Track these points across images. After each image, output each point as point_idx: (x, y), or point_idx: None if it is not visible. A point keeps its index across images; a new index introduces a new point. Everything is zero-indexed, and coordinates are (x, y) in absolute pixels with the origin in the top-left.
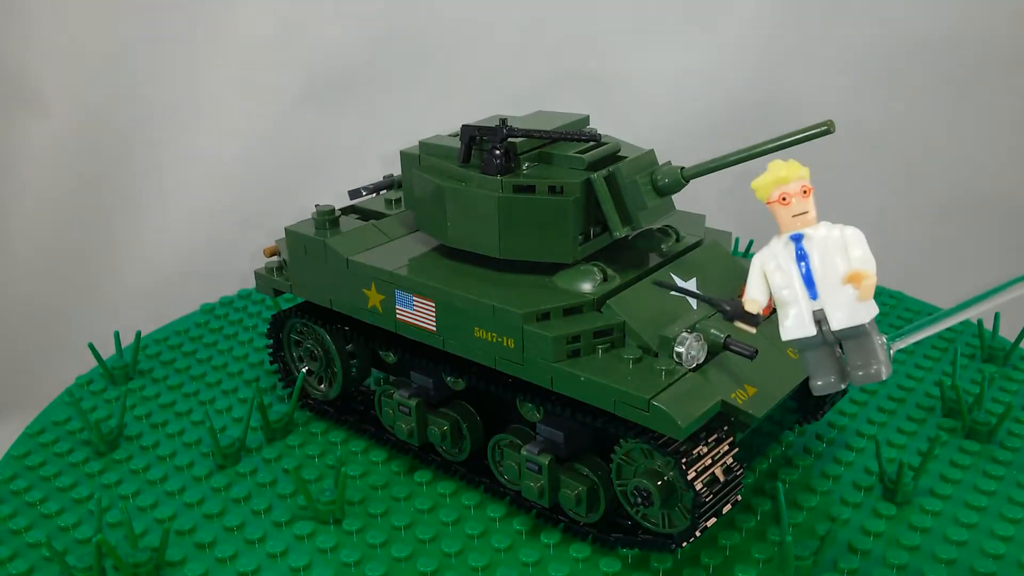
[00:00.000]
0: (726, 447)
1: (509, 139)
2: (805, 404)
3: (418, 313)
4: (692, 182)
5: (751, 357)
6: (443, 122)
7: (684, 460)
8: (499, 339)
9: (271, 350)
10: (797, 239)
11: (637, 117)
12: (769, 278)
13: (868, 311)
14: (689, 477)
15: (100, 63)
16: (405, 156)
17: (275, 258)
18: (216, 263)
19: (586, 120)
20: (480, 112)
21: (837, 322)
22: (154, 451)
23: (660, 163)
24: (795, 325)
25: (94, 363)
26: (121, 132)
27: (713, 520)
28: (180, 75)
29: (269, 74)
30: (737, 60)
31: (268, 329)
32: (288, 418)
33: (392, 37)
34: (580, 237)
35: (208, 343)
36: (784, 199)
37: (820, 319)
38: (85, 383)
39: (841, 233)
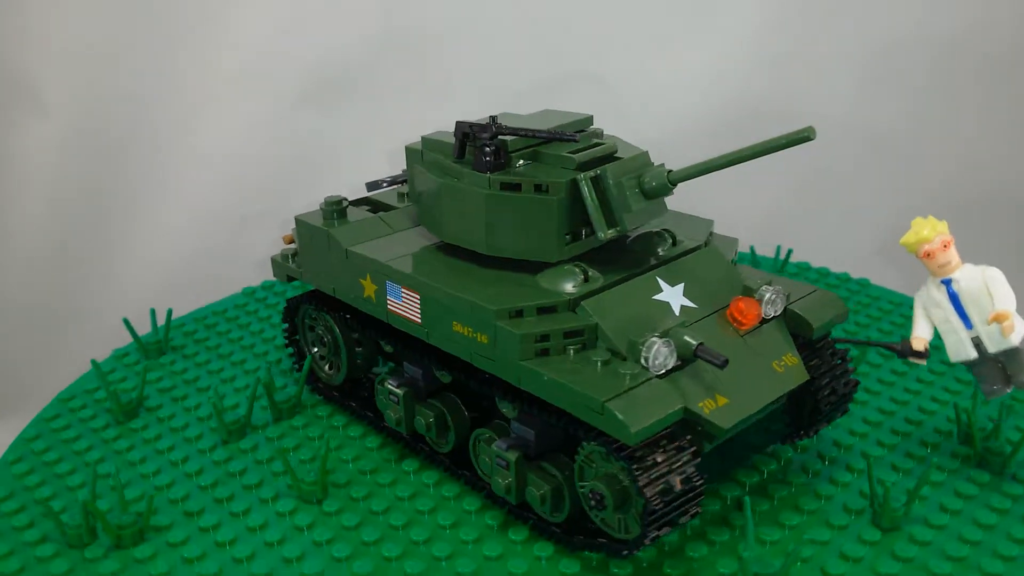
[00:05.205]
0: (688, 456)
1: (500, 136)
2: (799, 419)
3: (405, 305)
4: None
5: (721, 366)
6: (447, 121)
7: (636, 466)
8: (474, 334)
9: (287, 333)
10: (947, 283)
11: (642, 117)
12: (931, 315)
13: (1017, 334)
14: (640, 483)
15: (100, 63)
16: (410, 151)
17: (292, 245)
18: (226, 259)
19: (590, 120)
20: (486, 110)
21: (991, 346)
22: (168, 422)
23: (657, 165)
24: (956, 350)
25: (120, 343)
26: (121, 130)
27: (667, 530)
28: (180, 74)
29: (272, 69)
30: (741, 60)
31: (283, 313)
32: (296, 399)
33: (395, 36)
34: (568, 237)
35: (242, 324)
36: (928, 255)
37: (979, 343)
38: (121, 355)
39: (982, 274)
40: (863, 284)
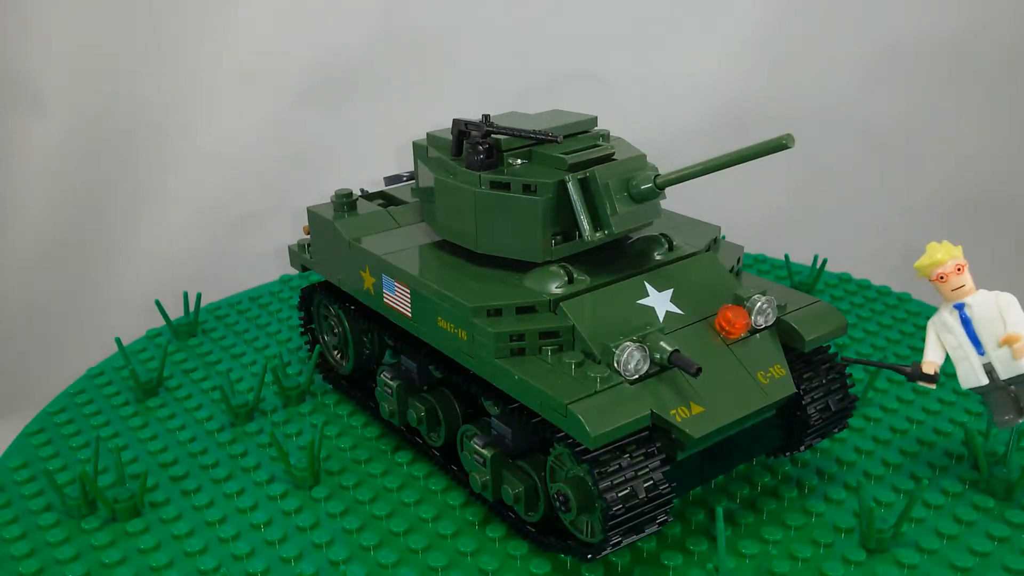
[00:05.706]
0: (657, 463)
1: (493, 135)
2: (791, 433)
3: (398, 298)
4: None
5: (694, 374)
6: (446, 121)
7: (599, 470)
8: (456, 330)
9: (302, 321)
10: (960, 307)
11: (642, 117)
12: (942, 340)
13: None
14: (602, 487)
15: (100, 63)
16: (416, 147)
17: (309, 236)
18: (227, 258)
19: (594, 121)
20: (486, 110)
21: (1003, 372)
22: (184, 402)
23: (651, 168)
24: (967, 377)
25: (127, 338)
26: (122, 130)
27: (634, 537)
28: (180, 74)
29: (272, 69)
30: (741, 60)
31: (299, 302)
32: (305, 386)
33: (395, 36)
34: (558, 237)
35: (273, 311)
36: (942, 278)
37: (991, 370)
38: (154, 336)
39: (996, 299)
40: (903, 298)
